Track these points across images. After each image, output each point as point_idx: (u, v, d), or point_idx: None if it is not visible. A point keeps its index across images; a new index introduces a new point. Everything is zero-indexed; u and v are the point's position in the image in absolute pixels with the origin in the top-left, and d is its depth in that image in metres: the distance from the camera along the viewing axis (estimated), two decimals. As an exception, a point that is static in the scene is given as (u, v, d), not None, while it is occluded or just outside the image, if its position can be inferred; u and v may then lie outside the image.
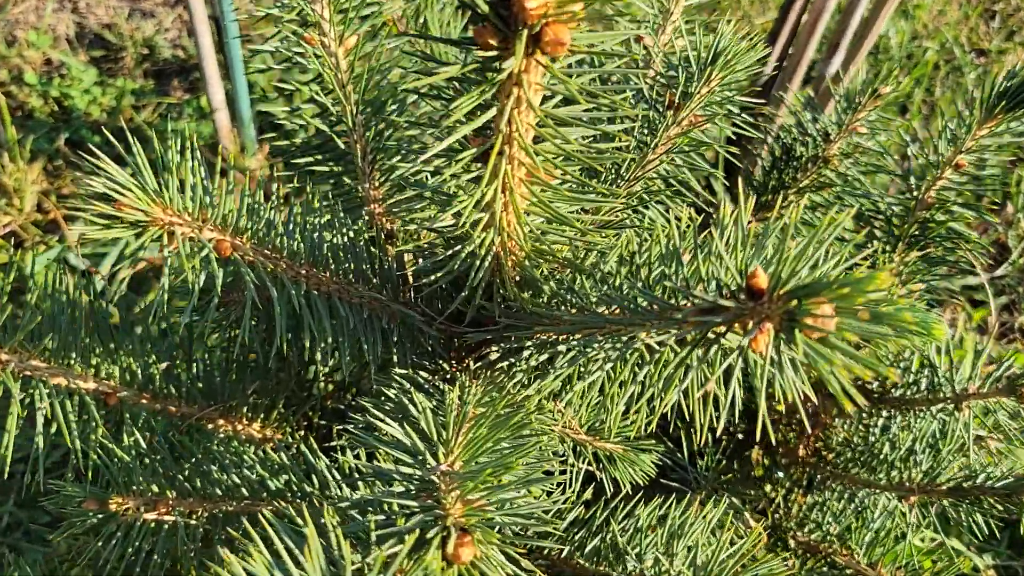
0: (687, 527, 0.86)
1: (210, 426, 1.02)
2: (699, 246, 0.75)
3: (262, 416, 1.06)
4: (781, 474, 1.37)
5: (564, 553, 0.95)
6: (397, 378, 0.86)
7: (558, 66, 0.71)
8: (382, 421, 0.78)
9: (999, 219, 2.40)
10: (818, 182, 1.39)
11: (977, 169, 1.26)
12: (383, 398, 0.84)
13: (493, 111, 0.73)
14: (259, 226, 0.86)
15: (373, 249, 0.97)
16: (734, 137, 1.98)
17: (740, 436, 1.40)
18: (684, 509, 0.89)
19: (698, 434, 0.80)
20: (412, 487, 0.74)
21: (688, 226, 0.81)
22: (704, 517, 0.88)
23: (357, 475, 0.91)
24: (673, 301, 0.76)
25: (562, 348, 0.84)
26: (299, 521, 0.68)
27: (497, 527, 0.72)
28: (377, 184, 1.17)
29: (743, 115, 1.09)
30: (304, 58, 1.08)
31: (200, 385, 1.00)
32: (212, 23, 2.05)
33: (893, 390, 1.27)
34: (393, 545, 0.68)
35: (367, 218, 1.19)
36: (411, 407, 0.80)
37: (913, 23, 2.96)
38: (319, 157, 1.12)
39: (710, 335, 0.74)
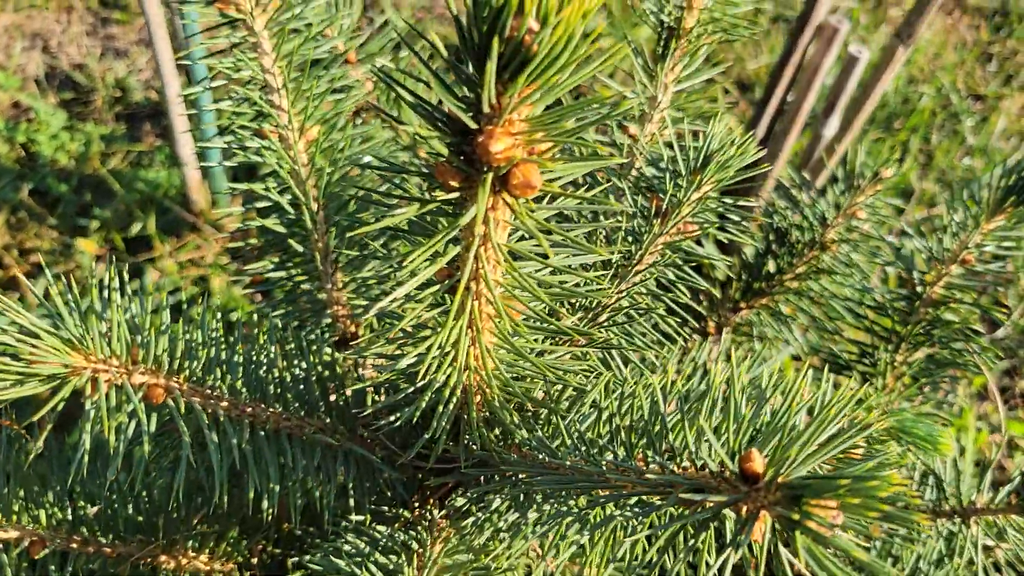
0: None
1: (152, 563, 0.92)
2: (686, 415, 0.66)
3: (209, 547, 0.97)
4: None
5: None
6: (349, 538, 0.77)
7: (527, 204, 0.63)
8: None
9: (997, 277, 2.32)
10: (815, 267, 1.31)
11: (984, 264, 1.18)
12: (333, 560, 0.75)
13: (458, 249, 0.65)
14: (197, 366, 0.77)
15: (328, 379, 0.88)
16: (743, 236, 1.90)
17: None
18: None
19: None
20: None
21: (672, 382, 0.72)
22: None
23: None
24: (659, 473, 0.68)
25: (534, 514, 0.75)
26: None
27: None
28: (340, 286, 1.08)
29: (735, 211, 1.01)
30: (258, 153, 1.00)
31: (140, 519, 0.91)
32: (183, 73, 1.96)
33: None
34: None
35: (328, 322, 1.10)
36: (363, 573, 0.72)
37: (909, 67, 2.89)
38: (276, 260, 1.04)
39: (701, 519, 0.66)
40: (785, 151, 1.88)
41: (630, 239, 0.96)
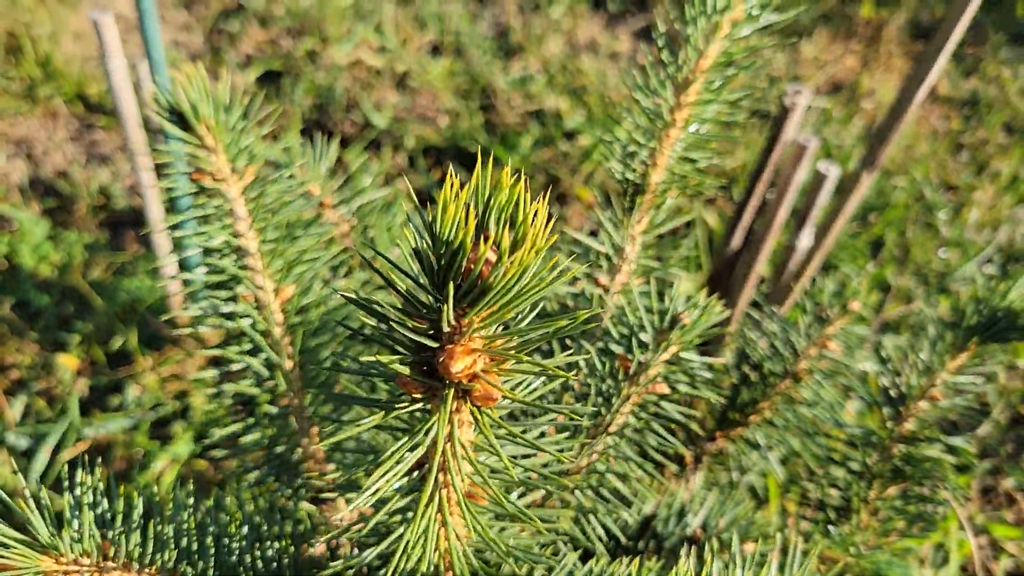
0: None
1: None
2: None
3: None
4: None
5: None
6: None
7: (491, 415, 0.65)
8: None
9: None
10: (788, 397, 1.32)
11: (951, 399, 1.19)
12: None
13: (422, 450, 0.66)
14: (168, 558, 0.77)
15: (300, 536, 0.89)
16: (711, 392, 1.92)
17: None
18: None
19: None
20: None
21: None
22: None
23: None
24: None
25: None
26: None
27: None
28: (316, 441, 1.09)
29: (703, 368, 1.02)
30: (231, 317, 1.01)
31: None
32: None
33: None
34: None
35: (303, 480, 1.10)
36: None
37: (880, 159, 2.95)
38: (250, 421, 1.04)
39: None
40: (759, 261, 1.91)
41: (600, 399, 0.97)
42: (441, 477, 0.72)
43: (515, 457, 0.76)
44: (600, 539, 0.99)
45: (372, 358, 0.60)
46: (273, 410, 1.02)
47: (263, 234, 1.01)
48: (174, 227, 1.92)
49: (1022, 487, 2.13)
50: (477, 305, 0.56)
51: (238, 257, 1.01)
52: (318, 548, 1.00)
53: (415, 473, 0.72)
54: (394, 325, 0.58)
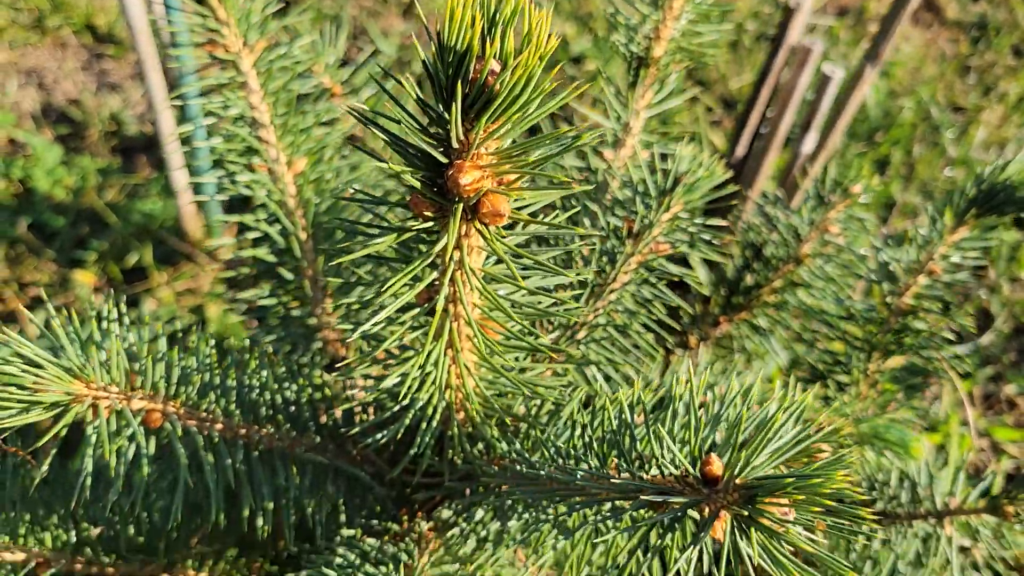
0: None
1: (152, 583, 0.96)
2: (650, 425, 0.70)
3: (208, 567, 1.00)
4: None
5: None
6: (340, 551, 0.81)
7: (498, 231, 0.67)
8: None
9: (982, 285, 2.37)
10: (790, 281, 1.35)
11: (951, 273, 1.22)
12: (325, 572, 0.79)
13: (435, 274, 0.69)
14: (192, 391, 0.81)
15: (318, 400, 0.93)
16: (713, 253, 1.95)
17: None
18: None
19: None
20: None
21: (639, 396, 0.76)
22: None
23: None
24: (628, 479, 0.72)
25: (515, 523, 0.79)
26: None
27: None
28: (330, 310, 1.12)
29: (710, 239, 1.05)
30: (248, 187, 1.04)
31: (141, 540, 0.94)
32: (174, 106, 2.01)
33: (874, 504, 1.23)
34: None
35: (320, 346, 1.14)
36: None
37: (889, 81, 2.95)
38: (267, 287, 1.08)
39: (668, 519, 0.69)
40: (764, 169, 1.92)
41: (605, 259, 1.00)
42: (451, 308, 0.75)
43: (519, 302, 0.79)
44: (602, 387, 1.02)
45: (384, 164, 0.63)
46: (289, 276, 1.06)
47: (275, 108, 1.04)
48: (189, 141, 1.95)
49: (1023, 392, 2.16)
50: (484, 115, 0.58)
51: (252, 129, 1.03)
52: (336, 413, 1.04)
53: (425, 306, 0.75)
54: (405, 135, 0.61)
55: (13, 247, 2.26)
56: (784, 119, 1.84)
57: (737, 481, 0.64)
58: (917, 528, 1.18)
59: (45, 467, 0.75)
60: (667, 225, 0.98)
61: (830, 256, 1.33)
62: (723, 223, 1.04)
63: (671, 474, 0.69)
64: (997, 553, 1.16)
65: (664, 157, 1.03)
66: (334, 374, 1.06)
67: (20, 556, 0.86)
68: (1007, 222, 1.19)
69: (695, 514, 0.67)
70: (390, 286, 0.68)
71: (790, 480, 0.57)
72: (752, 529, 0.63)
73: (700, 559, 0.73)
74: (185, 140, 1.49)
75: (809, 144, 1.86)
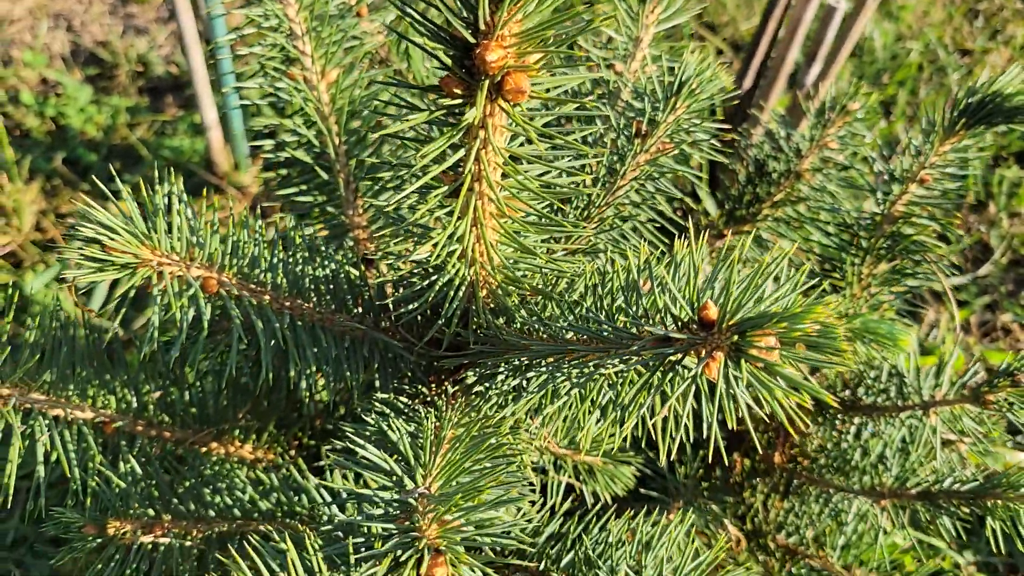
0: (656, 540, 0.91)
1: (203, 449, 1.06)
2: (655, 279, 0.79)
3: (253, 438, 1.11)
4: (759, 480, 1.41)
5: (541, 567, 0.99)
6: (377, 404, 0.91)
7: (521, 110, 0.76)
8: (363, 447, 0.83)
9: (982, 219, 2.44)
10: (791, 196, 1.43)
11: (942, 183, 1.30)
12: (364, 424, 0.89)
13: (461, 152, 0.78)
14: (243, 263, 0.91)
15: (354, 279, 1.02)
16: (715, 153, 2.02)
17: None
18: (654, 523, 0.94)
19: (663, 453, 0.85)
20: (391, 509, 0.79)
21: (646, 261, 0.85)
22: (674, 529, 0.92)
23: (344, 495, 0.96)
24: (633, 331, 0.81)
25: (533, 374, 0.89)
26: (284, 546, 0.72)
27: (472, 548, 0.77)
28: (361, 211, 1.21)
29: (713, 140, 1.13)
30: (287, 93, 1.13)
31: (193, 410, 1.04)
32: (204, 42, 2.09)
33: (864, 398, 1.32)
34: (371, 567, 0.73)
35: (351, 244, 1.23)
36: (390, 432, 0.85)
37: (897, 24, 3.00)
38: (303, 187, 1.17)
39: (668, 362, 0.78)
40: (771, 102, 1.99)
41: (615, 157, 1.09)
42: (476, 187, 0.84)
43: (540, 182, 0.87)
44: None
45: (417, 40, 0.71)
46: (325, 176, 1.15)
47: (309, 20, 1.12)
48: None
49: (1018, 320, 2.24)
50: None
51: (288, 39, 1.12)
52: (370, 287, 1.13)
53: (451, 186, 0.83)
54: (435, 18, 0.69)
55: (50, 180, 2.36)
56: (790, 52, 1.90)
57: (729, 322, 0.72)
58: (904, 419, 1.27)
59: (117, 323, 0.85)
60: (672, 125, 1.07)
61: (828, 172, 1.41)
62: (725, 126, 1.13)
63: (672, 325, 0.78)
64: (980, 443, 1.25)
65: (672, 70, 1.11)
66: (366, 253, 1.16)
67: (89, 415, 0.96)
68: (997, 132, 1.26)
69: (693, 363, 0.76)
70: (424, 152, 0.77)
71: (775, 314, 0.66)
72: (741, 360, 0.72)
73: (698, 401, 0.83)
74: (213, 68, 1.58)
75: (813, 75, 1.93)
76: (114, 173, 0.87)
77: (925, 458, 1.29)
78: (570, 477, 1.18)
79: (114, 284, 2.16)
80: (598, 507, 1.07)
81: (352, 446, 0.83)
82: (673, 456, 1.29)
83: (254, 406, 1.11)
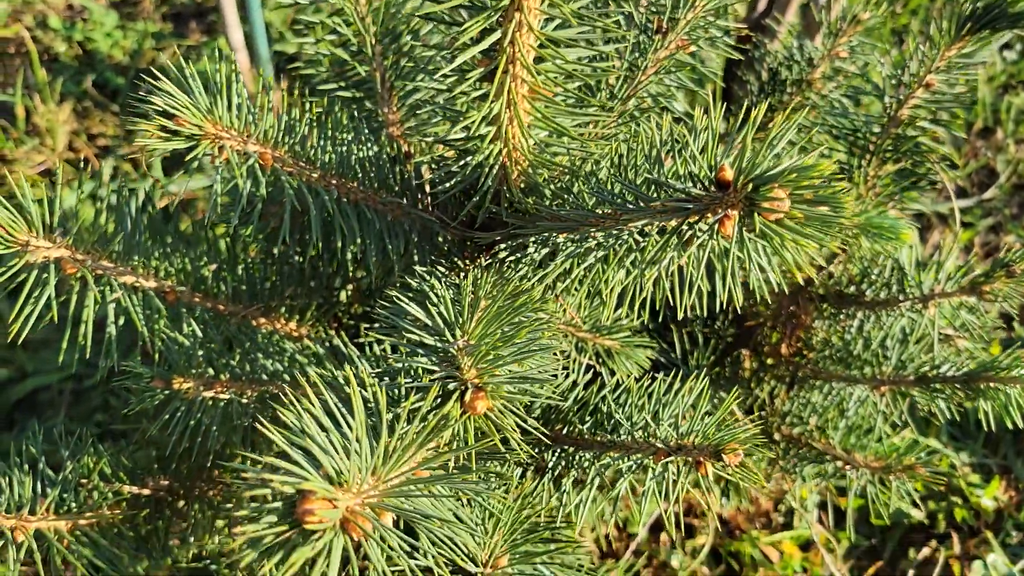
0: (672, 398, 1.00)
1: (253, 323, 1.15)
2: (676, 143, 0.87)
3: (297, 317, 1.19)
4: (766, 375, 1.50)
5: (566, 428, 1.08)
6: (418, 271, 0.99)
7: (554, -9, 0.82)
8: (407, 305, 0.91)
9: (989, 145, 2.49)
10: (802, 104, 1.49)
11: (948, 88, 1.36)
12: (407, 287, 0.97)
13: (498, 34, 0.85)
14: (295, 141, 0.98)
15: (394, 160, 1.10)
16: (731, 51, 2.08)
17: (729, 339, 1.53)
18: (670, 385, 1.02)
19: (680, 309, 0.93)
20: (434, 358, 0.88)
21: (669, 134, 0.92)
22: (689, 390, 1.01)
23: (388, 360, 1.05)
24: (655, 194, 0.88)
25: (562, 239, 0.97)
26: (341, 381, 0.81)
27: (506, 388, 0.85)
28: (395, 108, 1.28)
29: (726, 37, 1.19)
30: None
31: (244, 287, 1.13)
32: (230, -35, 2.14)
33: (867, 294, 1.40)
34: (419, 400, 0.81)
35: (386, 140, 1.31)
36: (431, 294, 0.93)
37: (911, -45, 3.02)
38: (341, 84, 1.24)
39: (686, 225, 0.86)
40: (787, 16, 2.04)
41: (636, 54, 1.15)
42: (510, 69, 0.91)
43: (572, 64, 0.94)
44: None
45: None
46: (363, 71, 1.22)
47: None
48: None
49: (1021, 240, 2.31)
50: None
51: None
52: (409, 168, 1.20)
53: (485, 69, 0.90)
54: None
55: (80, 102, 2.43)
56: (804, -28, 1.95)
57: (743, 180, 0.80)
58: (904, 311, 1.35)
59: (183, 188, 0.93)
60: (691, 22, 1.13)
61: (840, 81, 1.47)
62: (741, 25, 1.19)
63: (692, 187, 0.86)
64: (976, 332, 1.33)
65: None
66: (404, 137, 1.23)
67: (153, 283, 1.05)
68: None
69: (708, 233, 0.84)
70: (464, 28, 0.84)
71: (785, 169, 0.73)
72: (755, 213, 0.80)
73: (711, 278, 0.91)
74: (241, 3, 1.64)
75: (827, -5, 1.98)
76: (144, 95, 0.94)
77: (923, 351, 1.37)
78: (591, 359, 1.27)
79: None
80: (615, 379, 1.15)
81: (398, 303, 0.91)
82: (686, 345, 1.38)
83: (298, 288, 1.19)
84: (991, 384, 1.26)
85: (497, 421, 0.84)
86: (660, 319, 1.48)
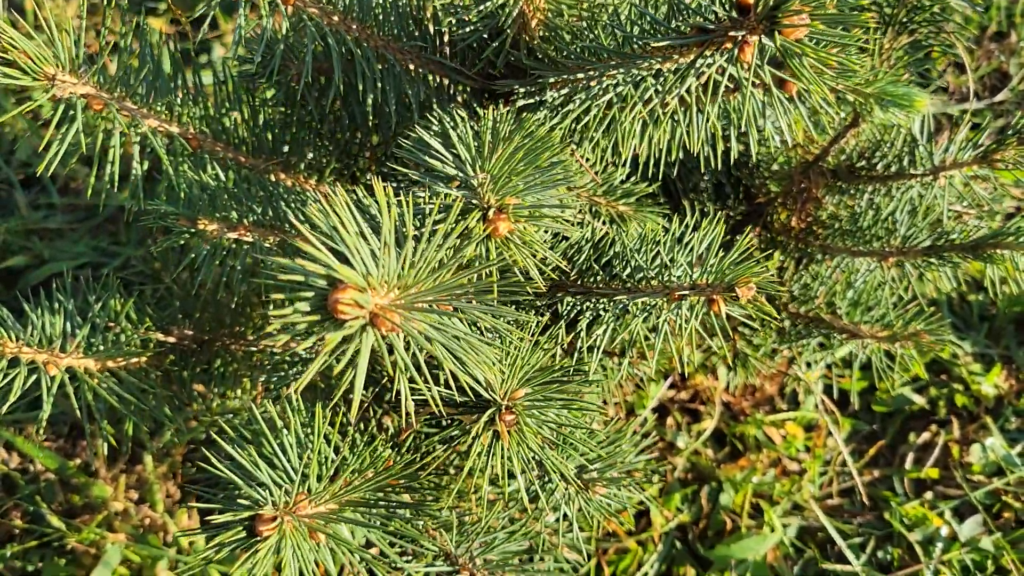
0: (687, 234, 1.02)
1: (273, 178, 1.17)
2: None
3: (316, 176, 1.21)
4: (775, 251, 1.52)
5: (582, 278, 1.11)
6: (439, 113, 1.00)
7: None
8: (431, 139, 0.93)
9: (1003, 48, 2.48)
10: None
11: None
12: (428, 127, 0.99)
13: None
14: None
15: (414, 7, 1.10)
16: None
17: (739, 217, 1.55)
18: (686, 224, 1.05)
19: (694, 145, 0.95)
20: (456, 187, 0.90)
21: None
22: (705, 229, 1.03)
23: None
24: (675, 24, 0.89)
25: (579, 80, 0.98)
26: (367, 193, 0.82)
27: (527, 211, 0.88)
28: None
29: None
30: None
31: (268, 136, 1.14)
32: None
33: (879, 168, 1.41)
34: (442, 218, 0.83)
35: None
36: (452, 133, 0.95)
37: None
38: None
39: (702, 58, 0.87)
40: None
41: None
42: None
43: None
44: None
45: None
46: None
47: None
48: None
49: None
50: None
51: None
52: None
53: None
54: None
55: (88, -3, 2.42)
56: None
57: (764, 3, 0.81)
58: (916, 181, 1.37)
59: (202, 31, 0.94)
60: None
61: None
62: None
63: (713, 10, 0.86)
64: (988, 203, 1.35)
65: None
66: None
67: (176, 129, 1.06)
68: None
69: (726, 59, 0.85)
70: None
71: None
72: (775, 32, 0.81)
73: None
74: None
75: None
76: None
77: (932, 225, 1.39)
78: (604, 222, 1.29)
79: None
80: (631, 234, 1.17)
81: (421, 135, 0.93)
82: (698, 218, 1.39)
83: (318, 146, 1.21)
84: (999, 250, 1.28)
85: (519, 244, 0.87)
86: (671, 194, 1.50)
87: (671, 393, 1.88)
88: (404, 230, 0.77)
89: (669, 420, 1.85)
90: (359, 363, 0.69)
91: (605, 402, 1.75)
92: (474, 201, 0.86)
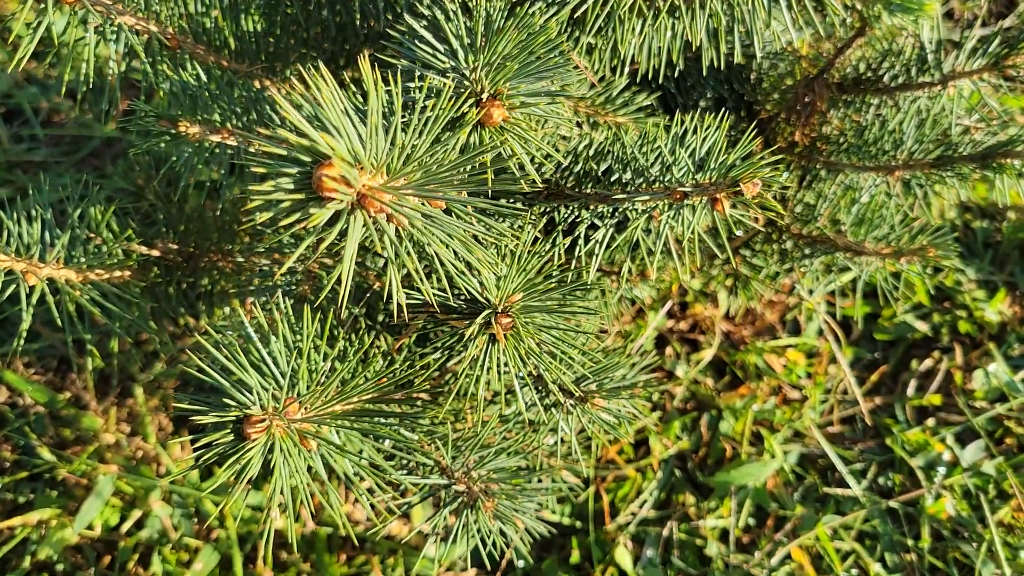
0: (689, 134, 0.98)
1: (257, 84, 1.12)
2: None
3: (303, 84, 1.16)
4: (779, 166, 1.48)
5: (579, 185, 1.07)
6: (429, 2, 0.95)
7: None
8: (421, 29, 0.88)
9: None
10: None
11: None
12: (419, 15, 0.94)
13: None
14: None
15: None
16: None
17: (740, 135, 1.50)
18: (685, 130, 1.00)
19: (694, 41, 0.90)
20: (448, 76, 0.85)
21: None
22: (706, 130, 0.98)
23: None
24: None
25: None
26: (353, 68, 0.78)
27: (522, 99, 0.83)
28: None
29: None
30: None
31: (253, 42, 1.09)
32: None
33: (885, 76, 1.36)
34: (434, 104, 0.79)
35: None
36: (444, 24, 0.90)
37: None
38: None
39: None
40: None
41: None
42: None
43: None
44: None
45: None
46: None
47: None
48: None
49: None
50: None
51: None
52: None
53: None
54: None
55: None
56: None
57: None
58: (924, 91, 1.32)
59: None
60: None
61: None
62: None
63: None
64: (999, 113, 1.31)
65: None
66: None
67: (155, 27, 1.01)
68: None
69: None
70: None
71: None
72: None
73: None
74: None
75: None
76: None
77: (938, 137, 1.35)
78: (603, 134, 1.24)
79: None
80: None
81: (411, 24, 0.88)
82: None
83: (304, 55, 1.16)
84: (1009, 159, 1.24)
85: (515, 136, 0.83)
86: (671, 110, 1.45)
87: (670, 323, 1.85)
88: (393, 118, 0.73)
89: (668, 350, 1.82)
90: (347, 245, 0.65)
91: (604, 331, 1.72)
92: (466, 84, 0.82)
